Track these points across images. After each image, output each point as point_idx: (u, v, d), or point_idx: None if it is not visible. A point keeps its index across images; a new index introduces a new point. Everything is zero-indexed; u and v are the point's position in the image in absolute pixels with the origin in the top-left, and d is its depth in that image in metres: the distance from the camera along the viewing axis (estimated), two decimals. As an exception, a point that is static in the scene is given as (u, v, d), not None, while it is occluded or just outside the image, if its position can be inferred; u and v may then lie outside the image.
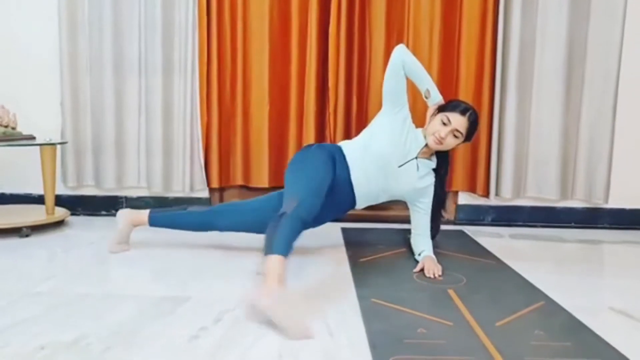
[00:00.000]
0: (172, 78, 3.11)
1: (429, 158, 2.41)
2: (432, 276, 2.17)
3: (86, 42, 3.08)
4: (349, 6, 3.07)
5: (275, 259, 1.78)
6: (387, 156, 2.32)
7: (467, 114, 2.28)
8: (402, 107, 2.33)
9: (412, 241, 2.45)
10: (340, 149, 2.40)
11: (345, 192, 2.36)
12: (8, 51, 3.17)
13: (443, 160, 2.45)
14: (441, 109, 2.33)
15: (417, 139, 2.34)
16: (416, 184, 2.35)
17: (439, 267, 2.24)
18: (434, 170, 2.42)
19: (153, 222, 2.48)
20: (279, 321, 1.63)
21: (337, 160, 2.34)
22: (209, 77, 3.12)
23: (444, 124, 2.27)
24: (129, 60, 3.11)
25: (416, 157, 2.33)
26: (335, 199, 2.35)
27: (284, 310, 1.65)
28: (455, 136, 2.29)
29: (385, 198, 2.45)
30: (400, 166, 2.32)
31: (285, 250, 1.83)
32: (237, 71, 3.16)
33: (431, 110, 2.38)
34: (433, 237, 2.48)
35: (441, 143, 2.29)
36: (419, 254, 2.36)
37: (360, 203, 2.44)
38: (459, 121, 2.27)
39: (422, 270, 2.23)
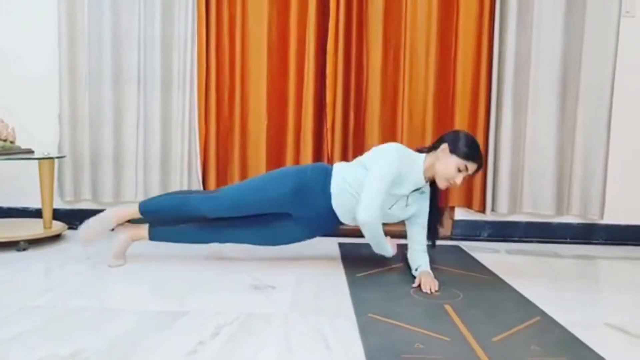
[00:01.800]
0: (171, 91, 3.13)
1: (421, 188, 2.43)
2: (428, 291, 2.17)
3: (85, 54, 3.10)
4: (346, 23, 3.10)
5: (134, 206, 2.45)
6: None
7: (480, 161, 2.33)
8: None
9: (409, 256, 2.46)
10: (327, 172, 2.42)
11: (328, 208, 2.40)
12: (7, 64, 3.19)
13: None
14: (454, 146, 2.27)
15: (415, 180, 2.34)
16: (407, 211, 2.41)
17: (436, 282, 2.24)
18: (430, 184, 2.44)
19: (153, 236, 2.49)
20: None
21: (312, 186, 2.39)
22: (207, 91, 3.14)
23: (460, 171, 2.28)
24: (127, 73, 3.13)
25: (407, 195, 2.37)
26: (316, 215, 2.42)
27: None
28: (464, 177, 2.32)
29: None
30: (390, 208, 2.36)
31: (144, 205, 2.44)
32: (235, 85, 3.18)
33: (443, 149, 2.29)
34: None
35: (452, 186, 2.37)
36: (416, 269, 2.37)
37: (346, 219, 2.45)
38: (473, 168, 2.31)
39: (419, 285, 2.24)
